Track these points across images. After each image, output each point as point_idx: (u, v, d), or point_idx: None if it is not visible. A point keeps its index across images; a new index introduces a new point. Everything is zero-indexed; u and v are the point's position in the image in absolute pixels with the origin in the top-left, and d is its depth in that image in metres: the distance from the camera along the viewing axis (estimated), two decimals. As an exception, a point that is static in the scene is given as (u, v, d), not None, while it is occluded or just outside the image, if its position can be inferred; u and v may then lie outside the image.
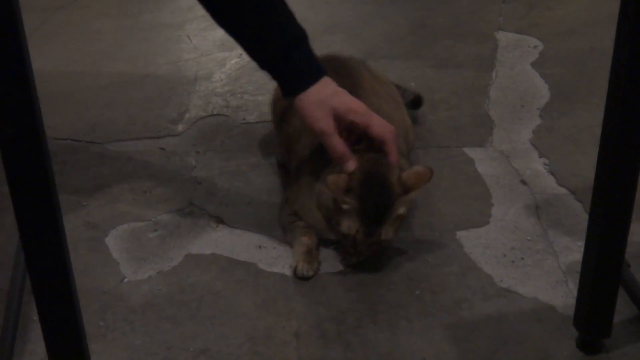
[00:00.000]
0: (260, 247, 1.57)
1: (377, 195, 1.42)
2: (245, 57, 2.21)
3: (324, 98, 1.45)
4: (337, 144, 1.45)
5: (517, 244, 1.56)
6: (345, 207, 1.42)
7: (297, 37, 1.46)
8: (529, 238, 1.57)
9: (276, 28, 1.45)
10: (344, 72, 1.67)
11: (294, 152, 1.63)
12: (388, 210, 1.42)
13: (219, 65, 2.22)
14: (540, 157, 1.80)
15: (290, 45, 1.45)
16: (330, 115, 1.45)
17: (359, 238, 1.44)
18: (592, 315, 1.28)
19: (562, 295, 1.43)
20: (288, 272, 1.51)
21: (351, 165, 1.44)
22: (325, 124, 1.45)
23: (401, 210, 1.44)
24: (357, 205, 1.41)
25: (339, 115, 1.45)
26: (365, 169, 1.43)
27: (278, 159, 1.77)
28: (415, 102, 1.94)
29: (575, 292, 1.32)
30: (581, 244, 1.46)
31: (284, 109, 1.69)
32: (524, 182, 1.73)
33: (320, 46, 2.27)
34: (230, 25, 1.47)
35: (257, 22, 1.45)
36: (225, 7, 1.44)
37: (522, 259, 1.52)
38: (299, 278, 1.49)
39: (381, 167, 1.44)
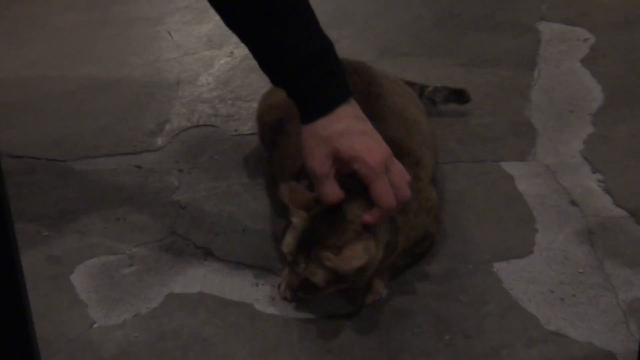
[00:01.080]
0: (257, 284, 1.57)
1: (317, 230, 1.43)
2: (237, 57, 2.23)
3: (329, 135, 1.41)
4: (330, 190, 1.42)
5: (566, 277, 1.56)
6: (293, 219, 1.44)
7: (317, 51, 1.42)
8: (581, 270, 1.57)
9: (299, 36, 1.42)
10: (353, 74, 1.69)
11: (298, 165, 1.62)
12: (317, 252, 1.42)
13: (205, 66, 2.23)
14: (593, 172, 1.80)
15: (306, 62, 1.40)
16: (329, 156, 1.41)
17: (288, 261, 1.46)
18: (659, 363, 1.27)
19: (622, 339, 1.43)
20: (291, 313, 1.51)
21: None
22: (318, 164, 1.42)
23: (327, 264, 1.42)
24: (300, 227, 1.44)
25: (341, 159, 1.42)
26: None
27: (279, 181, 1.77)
28: (457, 96, 1.98)
29: (637, 336, 1.32)
30: (644, 276, 1.46)
31: (282, 120, 1.69)
32: (574, 203, 1.72)
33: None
34: (241, 28, 1.46)
35: (274, 28, 1.42)
36: (239, 6, 1.43)
37: (574, 295, 1.52)
38: (282, 299, 1.52)
39: (347, 210, 1.45)
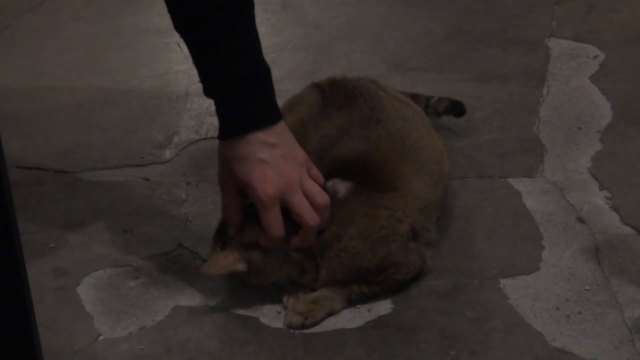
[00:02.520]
0: (264, 297, 1.58)
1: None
2: (247, 70, 2.24)
3: (231, 157, 1.49)
4: (226, 205, 1.54)
5: (573, 294, 1.56)
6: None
7: (249, 75, 1.46)
8: (587, 288, 1.57)
9: (233, 57, 1.46)
10: (358, 96, 1.71)
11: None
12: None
13: (214, 79, 2.23)
14: (601, 189, 1.81)
15: (236, 81, 1.45)
16: (230, 174, 1.51)
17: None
18: (664, 382, 1.27)
19: (628, 357, 1.43)
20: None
21: (231, 231, 1.54)
22: (222, 178, 1.55)
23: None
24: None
25: (238, 183, 1.50)
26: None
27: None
28: (454, 109, 1.98)
29: (643, 354, 1.32)
30: (650, 295, 1.46)
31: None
32: (581, 220, 1.73)
33: (337, 56, 2.30)
34: (188, 34, 1.50)
35: (216, 42, 1.45)
36: (190, 14, 1.47)
37: (579, 313, 1.52)
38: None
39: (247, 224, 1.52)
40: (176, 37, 2.43)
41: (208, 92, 1.50)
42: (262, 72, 1.48)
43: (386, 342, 1.48)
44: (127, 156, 1.97)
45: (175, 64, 2.33)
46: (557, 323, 1.50)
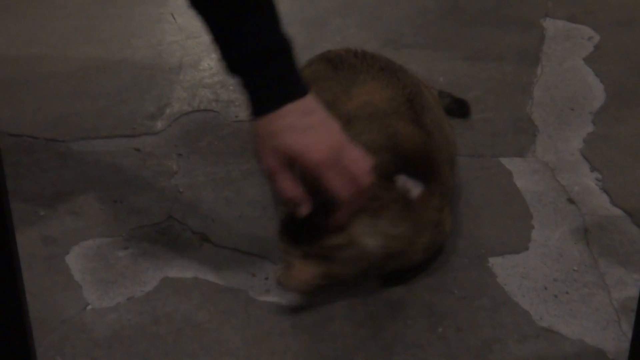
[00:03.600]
0: (252, 273, 1.58)
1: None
2: (240, 42, 2.23)
3: (268, 134, 1.40)
4: (284, 186, 1.41)
5: (561, 274, 1.57)
6: None
7: (273, 47, 1.41)
8: (575, 268, 1.58)
9: (257, 30, 1.43)
10: (398, 73, 1.71)
11: None
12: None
13: (207, 51, 2.23)
14: (591, 171, 1.81)
15: (261, 55, 1.41)
16: (276, 152, 1.40)
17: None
18: (649, 363, 1.28)
19: (614, 338, 1.44)
20: (284, 301, 1.52)
21: (304, 209, 1.42)
22: (268, 162, 1.41)
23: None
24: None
25: (287, 156, 1.40)
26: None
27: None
28: (459, 107, 1.98)
29: (629, 335, 1.33)
30: (638, 276, 1.47)
31: None
32: (571, 201, 1.74)
33: (331, 31, 2.29)
34: (205, 11, 1.46)
35: (236, 16, 1.42)
36: None
37: (567, 293, 1.53)
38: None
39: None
40: (170, 8, 2.44)
41: (234, 69, 1.43)
42: (287, 43, 1.43)
43: (374, 317, 1.49)
44: (119, 126, 1.97)
45: (169, 34, 2.33)
46: (544, 303, 1.51)
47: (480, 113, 2.00)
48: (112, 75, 2.16)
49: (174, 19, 2.39)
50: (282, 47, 1.42)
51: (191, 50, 2.24)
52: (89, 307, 1.52)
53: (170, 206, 1.74)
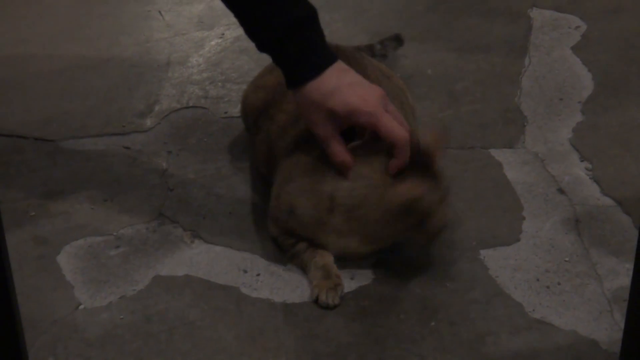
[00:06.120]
0: (244, 269, 1.58)
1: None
2: (228, 38, 2.23)
3: (321, 97, 1.48)
4: (337, 150, 1.50)
5: (552, 265, 1.57)
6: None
7: (302, 17, 1.49)
8: (567, 259, 1.58)
9: (283, 4, 1.47)
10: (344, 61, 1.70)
11: (277, 152, 1.63)
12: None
13: (196, 47, 2.22)
14: (581, 160, 1.81)
15: (292, 27, 1.48)
16: (328, 118, 1.49)
17: None
18: (642, 353, 1.28)
19: (607, 328, 1.44)
20: (277, 298, 1.52)
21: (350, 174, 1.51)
22: (322, 128, 1.50)
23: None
24: None
25: (340, 117, 1.48)
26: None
27: (259, 169, 1.77)
28: (395, 41, 2.07)
29: (622, 325, 1.32)
30: (630, 266, 1.46)
31: (267, 103, 1.70)
32: (561, 191, 1.73)
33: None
34: None
35: None
36: None
37: (559, 284, 1.53)
38: (324, 308, 1.50)
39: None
40: (157, 5, 2.43)
41: (266, 45, 1.51)
42: (315, 13, 1.50)
43: (366, 312, 1.49)
44: (108, 125, 1.96)
45: (157, 32, 2.32)
46: (536, 294, 1.51)
47: (469, 104, 1.99)
48: (100, 74, 2.15)
49: (162, 16, 2.38)
50: (311, 17, 1.49)
51: (179, 47, 2.23)
52: (80, 307, 1.51)
53: (160, 204, 1.73)
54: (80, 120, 1.98)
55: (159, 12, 2.41)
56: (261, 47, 1.52)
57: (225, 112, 1.98)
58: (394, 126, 1.47)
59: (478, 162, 1.81)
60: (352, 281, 1.54)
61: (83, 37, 2.32)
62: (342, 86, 1.48)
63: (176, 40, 2.27)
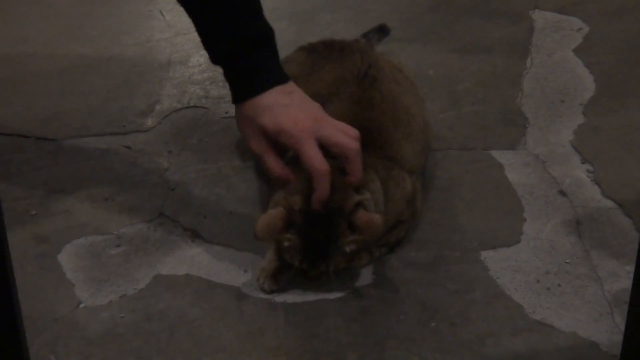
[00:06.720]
0: (244, 268, 1.58)
1: (319, 233, 1.46)
2: (230, 38, 2.23)
3: (254, 114, 1.48)
4: (272, 164, 1.49)
5: (553, 267, 1.57)
6: (286, 244, 1.47)
7: (257, 35, 1.50)
8: (567, 260, 1.58)
9: (240, 21, 1.49)
10: (355, 52, 1.74)
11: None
12: (332, 247, 1.46)
13: (197, 47, 2.22)
14: (582, 162, 1.81)
15: (245, 45, 1.49)
16: (260, 133, 1.49)
17: (304, 268, 1.49)
18: (643, 355, 1.28)
19: (607, 330, 1.44)
20: (277, 297, 1.52)
21: (291, 188, 1.49)
22: (256, 143, 1.50)
23: (348, 248, 1.46)
24: (297, 242, 1.46)
25: (269, 134, 1.48)
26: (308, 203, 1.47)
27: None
28: (381, 31, 2.09)
29: (622, 327, 1.33)
30: (630, 268, 1.47)
31: None
32: (562, 193, 1.73)
33: (320, 25, 2.29)
34: (190, 4, 1.51)
35: (219, 9, 1.49)
36: None
37: (559, 285, 1.53)
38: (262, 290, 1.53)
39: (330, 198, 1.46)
40: (159, 5, 2.43)
41: (218, 58, 1.53)
42: (270, 34, 1.51)
43: (367, 312, 1.49)
44: (109, 124, 1.97)
45: (158, 31, 2.32)
46: (537, 295, 1.51)
47: (470, 106, 1.99)
48: (101, 73, 2.15)
49: (163, 16, 2.39)
50: (263, 37, 1.51)
51: (180, 47, 2.24)
52: (81, 305, 1.51)
53: (161, 203, 1.73)
54: (82, 120, 1.98)
55: (160, 12, 2.41)
56: (214, 59, 1.54)
57: (226, 112, 1.99)
58: (313, 156, 1.44)
59: (479, 164, 1.82)
60: (353, 281, 1.55)
61: (84, 36, 2.33)
62: (276, 105, 1.47)
63: (177, 40, 2.28)
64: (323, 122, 1.48)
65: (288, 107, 1.47)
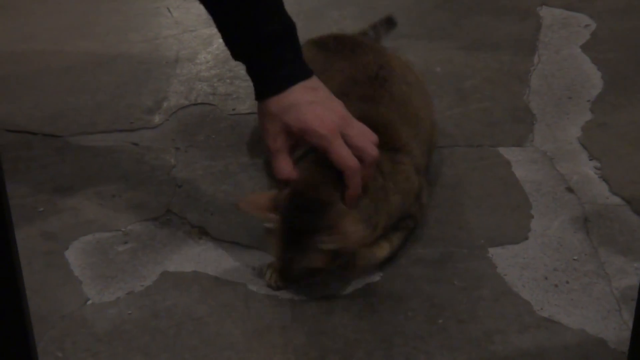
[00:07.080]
0: (252, 266, 1.58)
1: (300, 219, 1.44)
2: (237, 35, 2.23)
3: (279, 111, 1.47)
4: (282, 165, 1.48)
5: (561, 264, 1.56)
6: (267, 225, 1.46)
7: (279, 31, 1.49)
8: (575, 257, 1.58)
9: (260, 16, 1.48)
10: (367, 51, 1.73)
11: None
12: (310, 239, 1.43)
13: (204, 44, 2.23)
14: (590, 159, 1.81)
15: (267, 41, 1.48)
16: (282, 132, 1.48)
17: (278, 258, 1.49)
18: (651, 352, 1.28)
19: (615, 327, 1.44)
20: (284, 295, 1.52)
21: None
22: (272, 140, 1.49)
23: (325, 247, 1.44)
24: (279, 227, 1.45)
25: (293, 133, 1.47)
26: (298, 188, 1.46)
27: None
28: (388, 24, 2.09)
29: (630, 324, 1.32)
30: (638, 265, 1.47)
31: None
32: (570, 190, 1.73)
33: (328, 22, 2.29)
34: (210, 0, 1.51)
35: (240, 4, 1.48)
36: None
37: (567, 282, 1.53)
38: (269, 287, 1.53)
39: (319, 191, 1.46)
40: (166, 2, 2.43)
41: (239, 55, 1.52)
42: (292, 29, 1.50)
43: (374, 309, 1.49)
44: (116, 121, 1.97)
45: (165, 28, 2.32)
46: (545, 292, 1.51)
47: (477, 102, 1.99)
48: (109, 70, 2.16)
49: (170, 12, 2.39)
50: (285, 32, 1.50)
51: (187, 43, 2.24)
52: (89, 302, 1.52)
53: (168, 200, 1.73)
54: (89, 117, 1.98)
55: (168, 9, 2.41)
56: (235, 55, 1.53)
57: (234, 109, 1.99)
58: (344, 154, 1.44)
59: (486, 161, 1.82)
60: (360, 278, 1.54)
61: (92, 33, 2.33)
62: (302, 103, 1.46)
63: (184, 37, 2.28)
64: (347, 120, 1.48)
65: (313, 105, 1.46)
